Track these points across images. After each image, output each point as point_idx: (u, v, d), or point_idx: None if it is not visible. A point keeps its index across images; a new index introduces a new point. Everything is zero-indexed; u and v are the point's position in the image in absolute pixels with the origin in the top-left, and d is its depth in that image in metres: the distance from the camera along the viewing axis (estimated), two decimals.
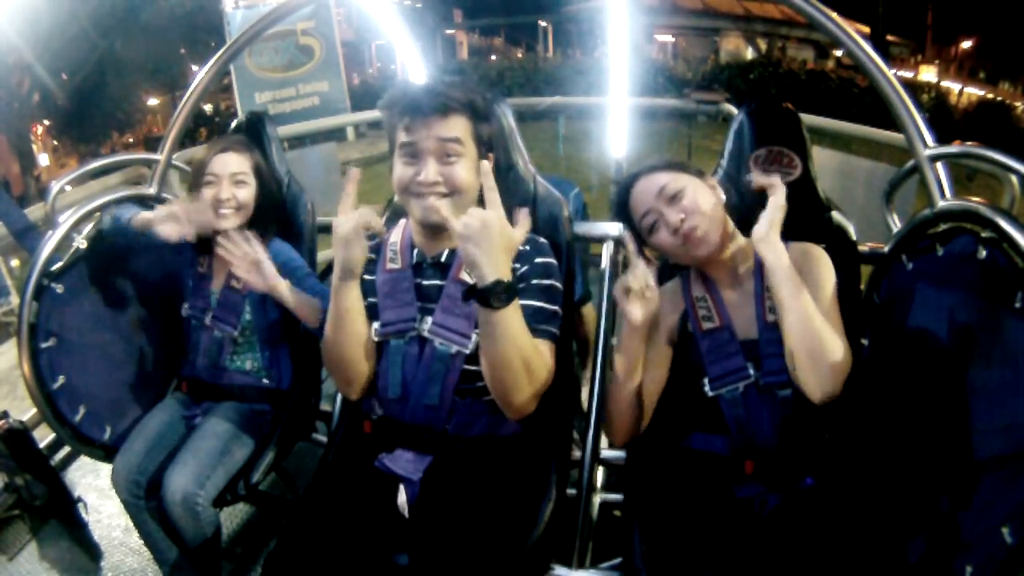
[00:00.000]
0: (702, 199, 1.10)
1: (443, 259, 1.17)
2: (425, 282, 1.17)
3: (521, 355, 0.99)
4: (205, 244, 1.50)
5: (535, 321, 1.07)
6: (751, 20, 17.37)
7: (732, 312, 1.14)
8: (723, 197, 1.15)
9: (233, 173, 1.43)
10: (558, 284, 1.14)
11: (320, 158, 3.39)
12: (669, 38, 18.16)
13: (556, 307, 1.12)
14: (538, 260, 1.13)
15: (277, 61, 8.23)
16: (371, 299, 1.17)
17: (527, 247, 1.15)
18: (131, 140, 15.04)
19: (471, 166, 1.09)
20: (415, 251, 1.19)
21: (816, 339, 1.01)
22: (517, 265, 1.13)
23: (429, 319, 1.14)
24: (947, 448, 0.97)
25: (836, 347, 1.01)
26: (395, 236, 1.22)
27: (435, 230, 1.15)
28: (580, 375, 1.64)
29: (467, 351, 1.12)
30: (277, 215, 1.57)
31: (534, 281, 1.11)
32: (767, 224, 1.06)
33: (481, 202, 1.00)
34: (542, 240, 1.19)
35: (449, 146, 1.07)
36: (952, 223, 1.12)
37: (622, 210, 1.18)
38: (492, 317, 0.95)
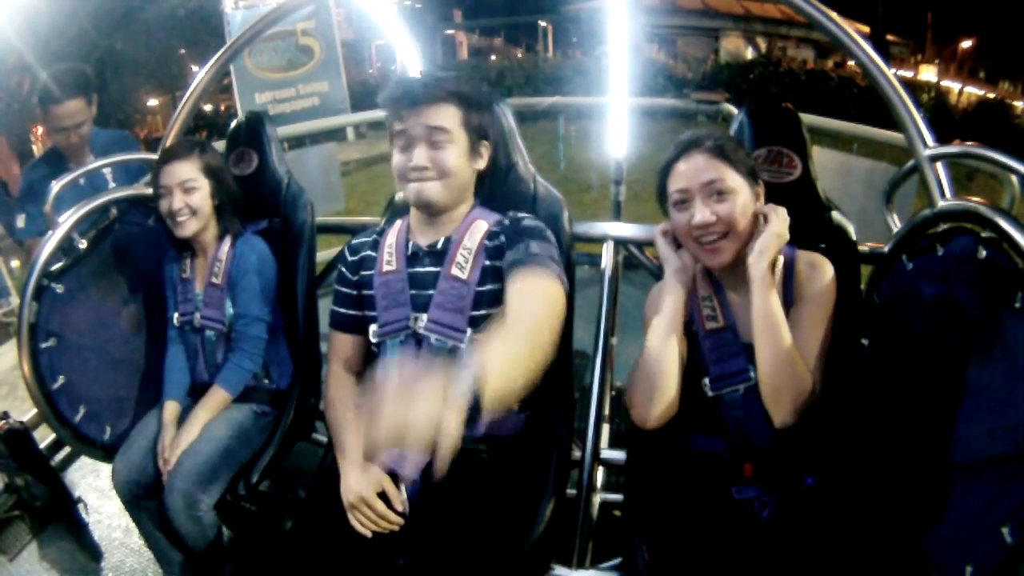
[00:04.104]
0: (741, 216, 1.06)
1: (439, 246, 1.18)
2: (422, 269, 1.19)
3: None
4: (184, 248, 1.51)
5: (532, 257, 1.07)
6: (751, 20, 17.36)
7: (737, 314, 1.13)
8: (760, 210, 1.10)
9: (181, 181, 1.43)
10: (550, 235, 1.16)
11: (320, 158, 3.38)
12: (669, 38, 18.14)
13: (549, 242, 1.13)
14: (520, 223, 1.16)
15: (277, 61, 8.21)
16: (369, 292, 1.21)
17: (507, 221, 1.18)
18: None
19: (461, 152, 1.14)
20: (410, 244, 1.21)
21: (784, 377, 1.02)
22: (505, 236, 1.15)
23: (424, 316, 1.15)
24: (947, 448, 0.97)
25: (802, 384, 1.02)
26: (391, 238, 1.23)
27: (431, 213, 1.18)
28: (581, 375, 1.64)
29: (462, 345, 1.13)
30: (244, 208, 1.56)
31: (520, 234, 1.13)
32: (758, 252, 1.05)
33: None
34: (524, 214, 1.21)
35: (436, 134, 1.11)
36: (952, 223, 1.12)
37: (666, 167, 1.12)
38: None
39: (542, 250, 1.10)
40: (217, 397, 1.43)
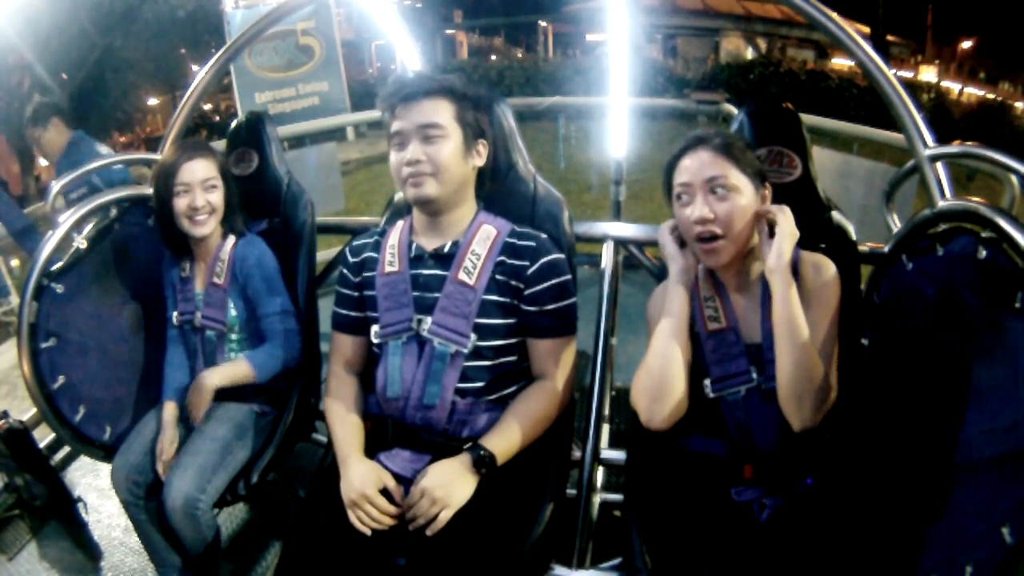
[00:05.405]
0: (739, 216, 1.05)
1: (445, 250, 1.18)
2: (426, 271, 1.19)
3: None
4: (183, 247, 1.50)
5: (559, 324, 1.17)
6: (751, 20, 17.35)
7: (739, 315, 1.13)
8: (763, 209, 1.09)
9: (203, 179, 1.43)
10: (567, 277, 1.19)
11: (320, 158, 3.39)
12: (669, 38, 18.15)
13: (571, 300, 1.20)
14: (544, 260, 1.17)
15: (277, 61, 8.21)
16: (371, 293, 1.21)
17: (531, 243, 1.18)
18: (131, 140, 15.01)
19: (455, 148, 1.14)
20: (414, 246, 1.20)
21: (806, 380, 1.00)
22: (527, 262, 1.16)
23: (429, 319, 1.15)
24: (947, 448, 0.97)
25: (823, 385, 1.01)
26: (393, 239, 1.23)
27: (431, 212, 1.19)
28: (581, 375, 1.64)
29: (465, 350, 1.14)
30: (244, 210, 1.56)
31: (546, 284, 1.16)
32: (776, 256, 1.03)
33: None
34: (543, 236, 1.22)
35: (429, 130, 1.12)
36: (952, 223, 1.13)
37: (672, 162, 1.12)
38: None
39: (567, 308, 1.19)
40: (239, 367, 1.42)
